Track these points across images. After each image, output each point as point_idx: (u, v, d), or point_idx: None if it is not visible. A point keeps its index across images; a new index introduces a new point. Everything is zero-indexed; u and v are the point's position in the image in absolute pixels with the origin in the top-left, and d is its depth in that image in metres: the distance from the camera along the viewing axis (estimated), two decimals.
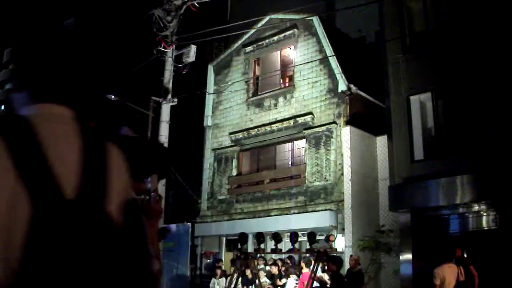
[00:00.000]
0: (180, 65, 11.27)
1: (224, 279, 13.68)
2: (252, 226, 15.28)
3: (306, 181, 15.37)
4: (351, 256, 12.33)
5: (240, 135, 17.64)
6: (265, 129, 16.85)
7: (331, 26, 18.85)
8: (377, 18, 15.96)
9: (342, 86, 15.12)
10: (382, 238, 13.15)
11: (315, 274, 10.59)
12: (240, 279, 11.44)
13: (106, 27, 52.87)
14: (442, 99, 12.57)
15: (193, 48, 11.19)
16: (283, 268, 12.60)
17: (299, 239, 12.08)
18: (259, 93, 17.80)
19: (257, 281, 11.07)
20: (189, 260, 15.14)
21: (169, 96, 11.15)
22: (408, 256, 12.05)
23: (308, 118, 15.76)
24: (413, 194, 12.24)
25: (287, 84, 17.57)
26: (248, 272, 11.67)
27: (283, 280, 12.08)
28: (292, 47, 17.22)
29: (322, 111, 15.63)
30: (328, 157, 15.02)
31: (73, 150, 1.29)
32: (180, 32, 11.25)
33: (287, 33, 17.11)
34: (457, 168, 11.42)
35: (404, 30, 13.44)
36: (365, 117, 15.41)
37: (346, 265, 11.84)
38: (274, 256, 13.41)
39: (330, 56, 15.43)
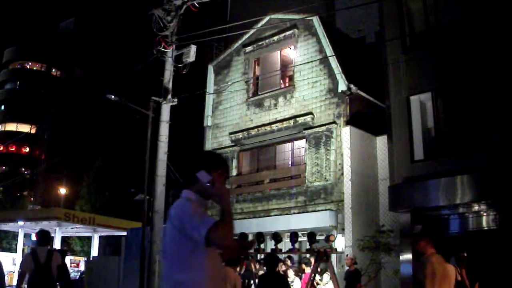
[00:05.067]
0: (180, 65, 11.25)
1: None
2: (252, 226, 15.27)
3: (306, 181, 15.37)
4: (347, 255, 12.36)
5: (240, 135, 17.64)
6: (265, 129, 16.85)
7: (331, 26, 18.86)
8: (377, 18, 15.97)
9: (342, 86, 15.12)
10: (382, 238, 13.15)
11: (315, 274, 10.59)
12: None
13: (106, 27, 52.95)
14: (442, 99, 12.56)
15: (193, 48, 11.17)
16: (282, 269, 12.59)
17: (299, 239, 12.06)
18: (259, 93, 17.80)
19: (257, 281, 11.05)
20: None
21: (169, 96, 11.13)
22: (408, 256, 12.04)
23: (308, 118, 15.76)
24: (413, 194, 12.24)
25: (287, 84, 17.57)
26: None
27: None
28: (292, 47, 17.21)
29: (322, 111, 15.63)
30: (328, 157, 15.02)
31: None
32: (180, 32, 11.23)
33: (287, 33, 17.10)
34: (457, 168, 11.42)
35: (404, 30, 13.43)
36: (365, 117, 15.41)
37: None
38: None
39: (330, 56, 15.43)
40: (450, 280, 5.07)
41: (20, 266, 7.42)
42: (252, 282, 11.54)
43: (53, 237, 27.43)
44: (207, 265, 2.55)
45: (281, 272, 11.05)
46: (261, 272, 12.24)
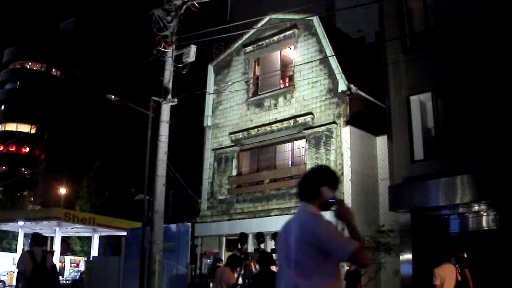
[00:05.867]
0: (180, 65, 11.25)
1: None
2: (252, 226, 15.28)
3: None
4: None
5: (240, 135, 17.64)
6: (265, 129, 16.85)
7: (331, 26, 18.86)
8: (377, 18, 15.97)
9: (342, 86, 15.12)
10: (382, 238, 13.15)
11: None
12: (240, 279, 11.43)
13: (106, 27, 52.94)
14: (442, 99, 12.56)
15: (193, 48, 11.16)
16: None
17: None
18: (259, 93, 17.80)
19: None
20: (189, 260, 15.14)
21: (169, 96, 11.13)
22: (408, 256, 12.04)
23: (308, 118, 15.76)
24: (413, 194, 12.23)
25: (287, 84, 17.56)
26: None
27: None
28: (292, 47, 17.21)
29: (322, 111, 15.63)
30: (328, 157, 15.02)
31: None
32: (180, 32, 11.23)
33: (287, 33, 17.10)
34: (457, 168, 11.41)
35: (404, 30, 13.43)
36: (365, 117, 15.41)
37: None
38: (275, 256, 13.37)
39: (330, 56, 15.43)
40: None
41: (18, 265, 7.84)
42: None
43: (52, 237, 27.46)
44: (334, 276, 2.83)
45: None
46: None
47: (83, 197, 36.23)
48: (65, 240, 33.25)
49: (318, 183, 2.96)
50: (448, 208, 11.97)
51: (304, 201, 2.99)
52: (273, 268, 11.76)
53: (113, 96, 16.26)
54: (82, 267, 32.22)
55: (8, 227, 27.81)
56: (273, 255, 8.61)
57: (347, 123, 14.92)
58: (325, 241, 2.73)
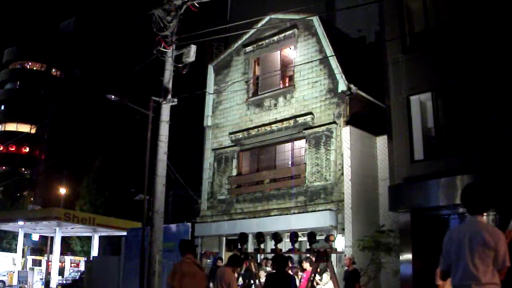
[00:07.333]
0: (180, 65, 11.24)
1: None
2: (252, 226, 15.28)
3: (306, 181, 15.37)
4: (345, 256, 12.38)
5: (240, 135, 17.64)
6: (265, 129, 16.85)
7: (331, 26, 18.86)
8: (377, 18, 15.97)
9: (342, 86, 15.12)
10: (382, 238, 13.15)
11: (315, 274, 10.60)
12: (240, 279, 11.44)
13: (106, 27, 52.91)
14: (442, 99, 12.56)
15: (193, 48, 11.15)
16: None
17: (299, 239, 12.07)
18: (259, 93, 17.80)
19: (257, 281, 11.05)
20: None
21: (169, 96, 11.11)
22: (408, 256, 12.04)
23: (308, 118, 15.76)
24: (413, 194, 12.23)
25: (287, 84, 17.56)
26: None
27: None
28: (292, 47, 17.22)
29: (322, 111, 15.63)
30: (328, 157, 15.03)
31: None
32: (180, 32, 11.22)
33: (287, 33, 17.10)
34: (457, 168, 11.41)
35: (404, 30, 13.43)
36: (365, 117, 15.41)
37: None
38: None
39: (330, 56, 15.43)
40: (193, 277, 6.13)
41: None
42: (252, 282, 11.55)
43: (52, 237, 27.47)
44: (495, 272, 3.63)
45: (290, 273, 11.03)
46: (261, 272, 12.26)
47: (83, 197, 36.24)
48: (65, 240, 33.25)
49: (489, 201, 3.85)
50: (448, 208, 11.96)
51: (473, 213, 3.78)
52: (288, 270, 11.77)
53: (113, 96, 16.26)
54: (82, 267, 32.23)
55: (8, 227, 27.81)
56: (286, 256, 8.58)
57: (347, 123, 14.93)
58: (499, 248, 3.58)
